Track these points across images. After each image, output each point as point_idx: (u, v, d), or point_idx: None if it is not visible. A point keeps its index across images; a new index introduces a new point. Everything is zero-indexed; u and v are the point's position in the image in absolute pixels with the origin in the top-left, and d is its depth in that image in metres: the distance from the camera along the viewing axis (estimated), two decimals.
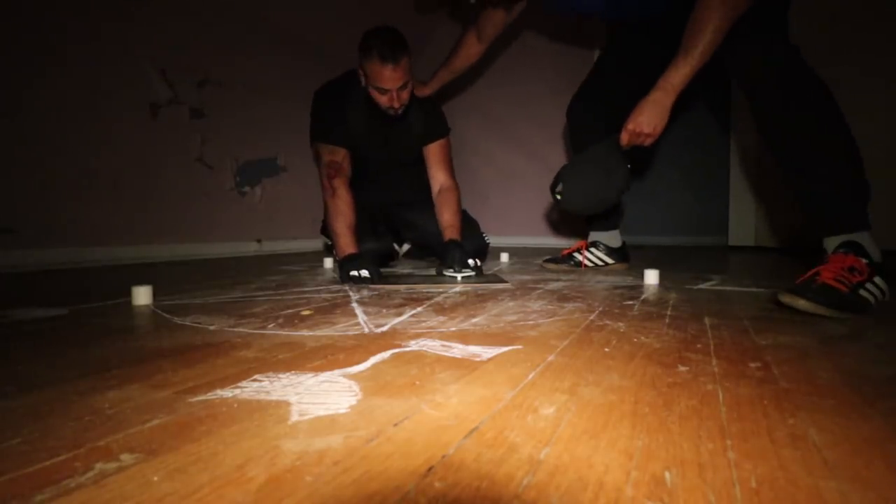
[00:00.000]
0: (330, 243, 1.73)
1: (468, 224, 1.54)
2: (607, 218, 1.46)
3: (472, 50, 1.45)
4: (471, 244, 1.44)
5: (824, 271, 0.78)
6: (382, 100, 1.30)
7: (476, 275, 1.23)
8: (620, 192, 1.18)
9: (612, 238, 1.47)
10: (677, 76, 1.00)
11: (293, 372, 0.47)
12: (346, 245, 1.27)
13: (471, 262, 1.24)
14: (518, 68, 2.81)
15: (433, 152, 1.49)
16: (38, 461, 0.30)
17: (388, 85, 1.26)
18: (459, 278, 1.19)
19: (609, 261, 1.44)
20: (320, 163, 1.38)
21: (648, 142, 1.10)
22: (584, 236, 1.53)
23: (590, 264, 1.44)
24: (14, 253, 1.51)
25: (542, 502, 0.25)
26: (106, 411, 0.38)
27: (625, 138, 1.10)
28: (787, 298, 0.76)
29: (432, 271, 1.40)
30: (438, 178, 1.48)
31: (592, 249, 1.44)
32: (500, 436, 0.33)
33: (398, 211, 1.71)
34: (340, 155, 1.37)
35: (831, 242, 0.88)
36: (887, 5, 2.08)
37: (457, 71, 1.49)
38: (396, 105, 1.31)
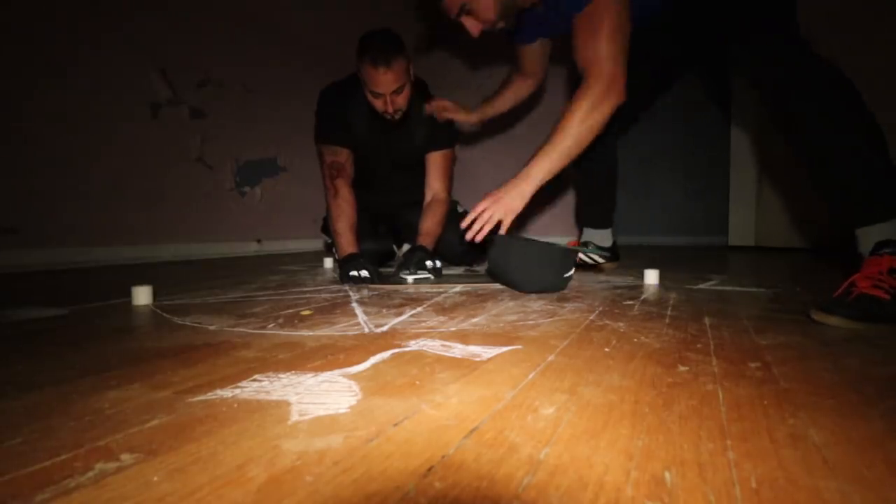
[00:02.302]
0: (330, 242, 1.73)
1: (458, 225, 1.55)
2: (602, 215, 1.46)
3: (521, 91, 1.43)
4: (473, 244, 1.44)
5: (860, 280, 0.71)
6: (377, 104, 1.30)
7: (434, 278, 1.20)
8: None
9: (604, 237, 1.47)
10: (539, 171, 1.00)
11: (293, 372, 0.47)
12: (347, 245, 1.27)
13: (429, 263, 1.23)
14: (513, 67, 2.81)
15: (433, 161, 1.48)
16: (38, 461, 0.30)
17: (381, 89, 1.25)
18: (410, 280, 1.17)
19: (600, 260, 1.45)
20: (323, 163, 1.38)
21: (503, 225, 1.04)
22: (578, 235, 1.54)
23: (580, 264, 1.44)
24: (14, 253, 1.51)
25: (542, 502, 0.25)
26: (106, 411, 0.38)
27: (468, 220, 1.04)
28: (818, 316, 0.69)
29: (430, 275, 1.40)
30: (433, 187, 1.48)
31: (584, 249, 1.44)
32: (500, 436, 0.33)
33: (399, 212, 1.71)
34: (343, 156, 1.37)
35: (866, 238, 0.80)
36: None
37: (501, 109, 1.47)
38: (391, 109, 1.30)
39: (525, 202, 1.03)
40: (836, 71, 0.86)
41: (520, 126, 2.82)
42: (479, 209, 1.04)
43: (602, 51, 0.97)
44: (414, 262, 1.22)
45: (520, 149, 2.87)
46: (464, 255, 1.53)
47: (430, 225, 1.39)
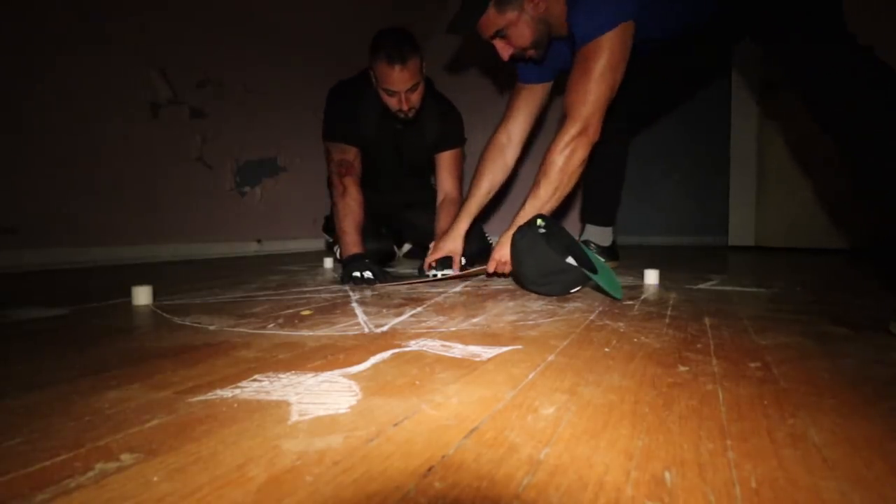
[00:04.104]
0: (332, 241, 1.73)
1: (472, 226, 1.54)
2: (605, 213, 1.46)
3: (496, 175, 1.31)
4: (476, 245, 1.44)
5: None
6: (391, 102, 1.29)
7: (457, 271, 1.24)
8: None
9: (605, 236, 1.47)
10: (523, 219, 1.03)
11: (293, 372, 0.47)
12: (352, 245, 1.26)
13: (463, 261, 1.25)
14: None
15: (444, 160, 1.48)
16: (38, 461, 0.30)
17: (396, 87, 1.24)
18: (440, 275, 1.20)
19: (599, 259, 1.45)
20: (330, 161, 1.37)
21: (507, 270, 1.11)
22: (579, 234, 1.53)
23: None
24: (14, 253, 1.51)
25: (542, 502, 0.25)
26: (106, 411, 0.38)
27: (490, 267, 1.12)
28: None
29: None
30: (445, 186, 1.47)
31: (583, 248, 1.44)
32: (500, 436, 0.33)
33: (401, 212, 1.71)
34: (352, 154, 1.36)
35: None
36: None
37: (481, 205, 1.32)
38: (405, 107, 1.29)
39: None
40: (886, 68, 0.82)
41: None
42: (490, 269, 1.11)
43: (586, 93, 1.00)
44: (440, 260, 1.23)
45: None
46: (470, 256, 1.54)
47: (447, 224, 1.39)
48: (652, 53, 1.21)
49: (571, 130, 1.01)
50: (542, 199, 1.04)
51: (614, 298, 0.90)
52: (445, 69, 2.87)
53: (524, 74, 1.29)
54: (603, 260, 1.18)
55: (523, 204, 1.07)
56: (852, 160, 0.88)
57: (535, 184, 1.05)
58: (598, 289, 0.99)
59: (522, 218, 1.04)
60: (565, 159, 1.02)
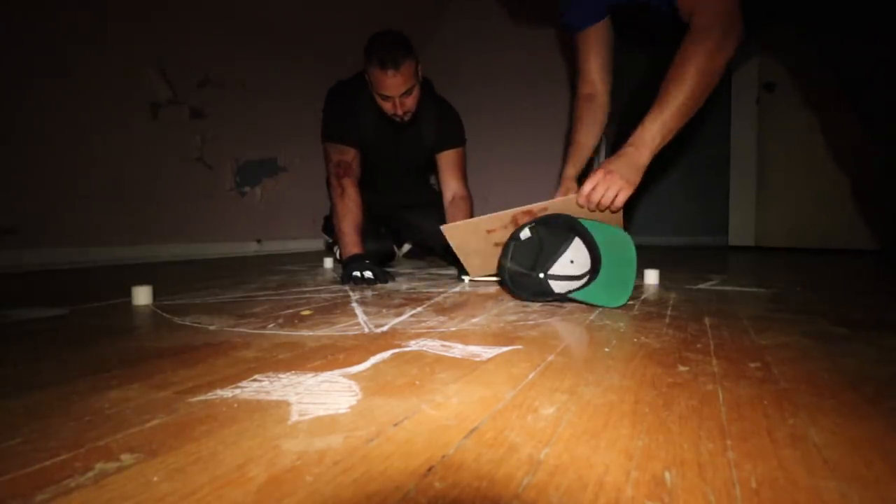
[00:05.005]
0: (331, 242, 1.73)
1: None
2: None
3: (596, 116, 1.16)
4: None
5: None
6: (386, 106, 1.29)
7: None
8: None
9: None
10: (653, 135, 0.87)
11: (293, 372, 0.47)
12: (352, 245, 1.26)
13: None
14: (518, 68, 2.81)
15: (446, 160, 1.47)
16: (38, 461, 0.30)
17: (390, 92, 1.24)
18: (467, 280, 1.18)
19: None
20: (329, 162, 1.37)
21: (617, 202, 0.89)
22: None
23: None
24: (14, 253, 1.51)
25: (542, 502, 0.25)
26: (106, 411, 0.38)
27: (582, 200, 0.90)
28: None
29: (432, 270, 1.40)
30: (451, 186, 1.46)
31: None
32: (500, 436, 0.33)
33: (400, 212, 1.71)
34: (350, 155, 1.36)
35: None
36: None
37: (589, 152, 1.18)
38: (400, 112, 1.29)
39: (641, 174, 0.89)
40: None
41: (520, 125, 2.82)
42: (588, 186, 0.88)
43: None
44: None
45: (519, 148, 2.87)
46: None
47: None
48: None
49: (714, 28, 0.82)
50: (671, 111, 0.84)
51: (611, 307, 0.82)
52: (445, 69, 2.87)
53: (573, 22, 1.14)
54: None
55: (644, 119, 0.87)
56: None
57: (663, 91, 0.85)
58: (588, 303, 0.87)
59: (642, 133, 0.86)
60: (707, 57, 0.81)
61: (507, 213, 0.97)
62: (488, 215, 0.99)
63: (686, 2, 0.86)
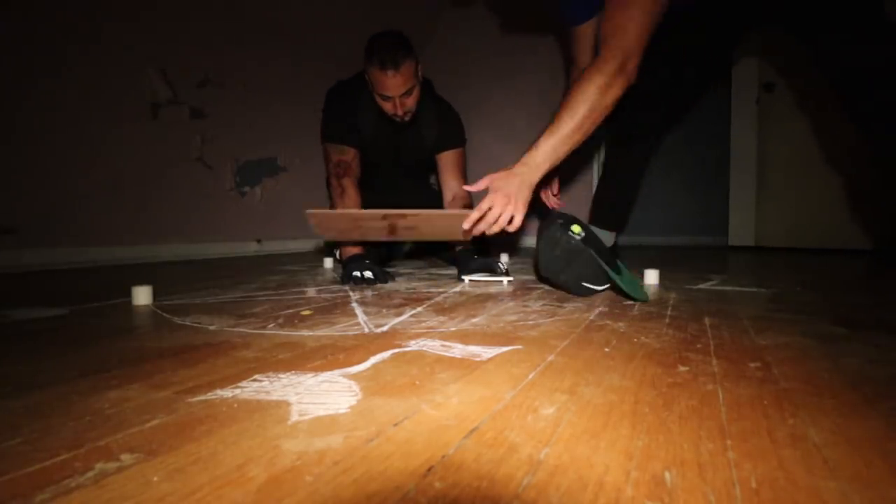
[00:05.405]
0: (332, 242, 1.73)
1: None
2: (617, 216, 1.42)
3: None
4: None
5: None
6: (386, 106, 1.29)
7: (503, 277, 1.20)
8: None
9: (607, 239, 1.46)
10: (544, 157, 0.91)
11: (293, 372, 0.47)
12: (352, 245, 1.26)
13: (501, 265, 1.23)
14: (518, 66, 2.81)
15: (446, 161, 1.47)
16: (38, 461, 0.30)
17: (390, 92, 1.24)
18: (467, 280, 1.18)
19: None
20: (329, 162, 1.37)
21: (515, 224, 0.91)
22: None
23: None
24: (14, 253, 1.51)
25: (542, 502, 0.25)
26: (106, 411, 0.38)
27: (472, 218, 0.93)
28: None
29: (432, 270, 1.40)
30: (451, 186, 1.46)
31: None
32: (500, 436, 0.33)
33: None
34: (350, 155, 1.36)
35: None
36: None
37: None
38: (400, 112, 1.29)
39: (531, 192, 0.94)
40: None
41: (519, 125, 2.82)
42: (484, 207, 0.92)
43: (627, 19, 0.88)
44: (473, 266, 1.21)
45: (519, 148, 2.86)
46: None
47: None
48: (685, 19, 1.10)
49: (609, 64, 0.88)
50: (561, 137, 0.89)
51: (640, 301, 0.85)
52: (445, 69, 2.87)
53: (572, 16, 1.19)
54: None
55: (538, 139, 0.92)
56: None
57: (557, 117, 0.90)
58: (620, 292, 0.92)
59: (534, 156, 0.91)
60: (597, 95, 0.88)
61: (378, 212, 1.03)
62: (360, 210, 1.11)
63: (608, 25, 0.91)
